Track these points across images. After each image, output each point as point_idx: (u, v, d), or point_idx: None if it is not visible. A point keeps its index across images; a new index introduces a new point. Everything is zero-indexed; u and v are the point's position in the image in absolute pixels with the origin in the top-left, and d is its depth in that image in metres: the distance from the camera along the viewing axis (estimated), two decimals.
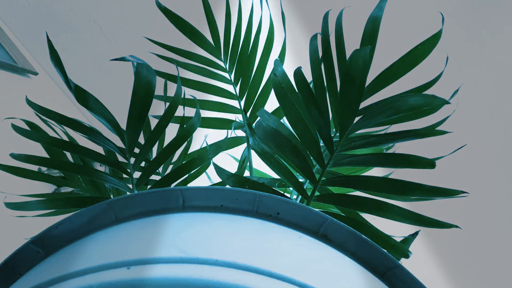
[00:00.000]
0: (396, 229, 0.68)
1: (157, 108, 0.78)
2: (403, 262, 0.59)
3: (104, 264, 0.32)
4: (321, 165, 0.62)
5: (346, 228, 0.40)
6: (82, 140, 0.69)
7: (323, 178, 0.63)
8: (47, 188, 1.28)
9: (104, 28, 1.84)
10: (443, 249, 1.86)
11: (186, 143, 0.76)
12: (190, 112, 0.80)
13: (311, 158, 0.63)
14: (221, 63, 0.88)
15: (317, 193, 0.65)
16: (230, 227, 0.38)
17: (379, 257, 0.40)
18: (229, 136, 0.80)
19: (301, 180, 0.73)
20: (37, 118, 0.67)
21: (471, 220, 1.79)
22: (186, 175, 0.72)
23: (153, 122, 0.70)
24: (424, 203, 0.62)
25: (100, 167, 1.43)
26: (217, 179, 0.74)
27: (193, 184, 0.77)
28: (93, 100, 0.59)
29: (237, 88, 0.87)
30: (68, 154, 0.71)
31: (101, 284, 0.30)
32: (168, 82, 0.82)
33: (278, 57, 0.80)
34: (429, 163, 0.56)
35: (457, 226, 0.59)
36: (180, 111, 0.75)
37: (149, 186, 0.75)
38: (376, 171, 0.70)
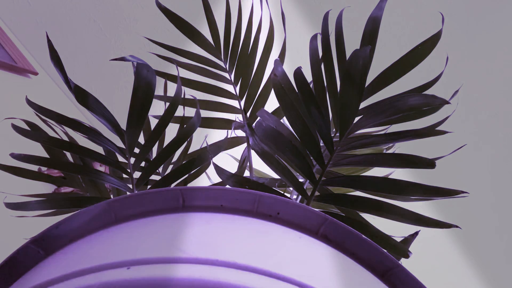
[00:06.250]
0: (396, 229, 0.68)
1: (157, 108, 0.78)
2: (404, 262, 0.59)
3: (104, 264, 0.32)
4: (321, 165, 0.62)
5: (346, 228, 0.40)
6: (82, 140, 0.69)
7: (323, 178, 0.63)
8: (47, 188, 1.28)
9: (104, 28, 1.84)
10: (441, 248, 1.86)
11: (186, 143, 0.76)
12: (190, 112, 0.80)
13: (311, 158, 0.63)
14: (221, 63, 0.88)
15: (317, 193, 0.65)
16: (230, 227, 0.38)
17: (379, 257, 0.40)
18: (229, 136, 0.80)
19: (301, 180, 0.73)
20: (37, 118, 0.67)
21: (471, 220, 1.79)
22: (186, 175, 0.72)
23: (153, 122, 0.70)
24: (425, 203, 0.62)
25: (100, 167, 1.43)
26: (217, 179, 0.74)
27: (193, 184, 0.77)
28: (93, 100, 0.59)
29: (237, 88, 0.87)
30: (68, 154, 0.71)
31: (101, 284, 0.30)
32: (168, 82, 0.82)
33: (278, 57, 0.80)
34: (429, 163, 0.56)
35: (457, 226, 0.59)
36: (180, 111, 0.75)
37: (149, 186, 0.75)
38: (376, 171, 0.70)
